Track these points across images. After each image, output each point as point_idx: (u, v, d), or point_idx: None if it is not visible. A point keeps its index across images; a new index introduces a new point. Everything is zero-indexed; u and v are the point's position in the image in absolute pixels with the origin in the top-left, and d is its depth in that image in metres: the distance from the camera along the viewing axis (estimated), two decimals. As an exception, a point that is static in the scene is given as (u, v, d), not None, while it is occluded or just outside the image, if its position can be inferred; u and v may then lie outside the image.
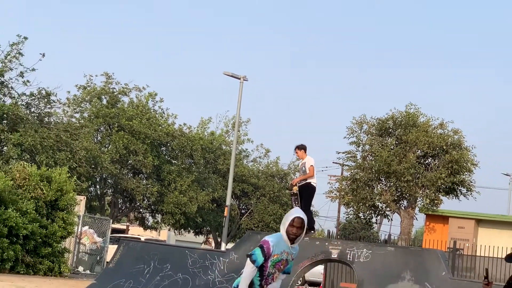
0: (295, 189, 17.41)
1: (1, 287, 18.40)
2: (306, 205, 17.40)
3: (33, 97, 36.72)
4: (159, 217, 49.53)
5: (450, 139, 36.81)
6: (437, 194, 36.36)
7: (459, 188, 36.97)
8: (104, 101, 46.31)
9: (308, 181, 17.26)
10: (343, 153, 38.48)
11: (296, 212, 8.47)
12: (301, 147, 17.61)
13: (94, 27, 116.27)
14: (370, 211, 38.39)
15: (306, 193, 17.37)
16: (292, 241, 8.41)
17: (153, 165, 45.04)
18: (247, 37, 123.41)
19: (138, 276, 16.93)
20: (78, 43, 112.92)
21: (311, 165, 17.33)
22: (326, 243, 16.15)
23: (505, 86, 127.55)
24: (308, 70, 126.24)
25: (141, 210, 50.01)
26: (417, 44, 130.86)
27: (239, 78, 44.20)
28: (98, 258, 31.42)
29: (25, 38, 35.20)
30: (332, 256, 15.90)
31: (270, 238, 8.49)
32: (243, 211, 53.46)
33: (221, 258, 16.72)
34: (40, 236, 25.19)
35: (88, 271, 30.22)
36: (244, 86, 44.39)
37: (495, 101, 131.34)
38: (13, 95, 36.23)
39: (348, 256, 15.55)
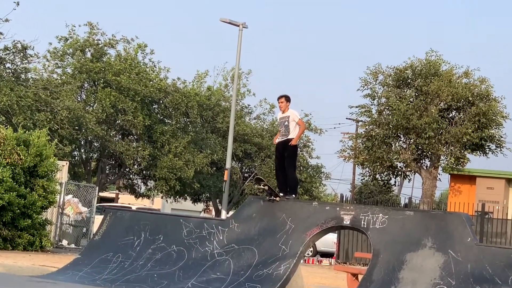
0: (263, 184, 17.56)
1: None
2: (291, 165, 17.60)
3: (8, 51, 36.58)
4: (151, 183, 49.59)
5: (476, 89, 36.61)
6: (462, 151, 36.29)
7: (487, 144, 36.88)
8: (88, 55, 46.26)
9: (289, 137, 17.27)
10: (356, 107, 38.34)
11: None
12: (289, 98, 17.43)
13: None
14: (388, 172, 38.38)
15: (291, 151, 17.43)
16: None
17: (144, 125, 45.02)
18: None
19: (127, 249, 16.90)
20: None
21: (300, 119, 17.49)
22: (337, 208, 16.10)
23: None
24: (312, 15, 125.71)
25: (131, 176, 50.12)
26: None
27: (238, 25, 43.91)
28: (84, 231, 31.45)
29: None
30: (344, 222, 15.84)
31: None
32: (246, 174, 53.41)
33: (220, 227, 16.67)
34: (18, 206, 25.18)
35: (73, 245, 30.25)
36: (244, 36, 44.17)
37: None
38: (-16, 50, 36.13)
39: (362, 223, 15.50)
